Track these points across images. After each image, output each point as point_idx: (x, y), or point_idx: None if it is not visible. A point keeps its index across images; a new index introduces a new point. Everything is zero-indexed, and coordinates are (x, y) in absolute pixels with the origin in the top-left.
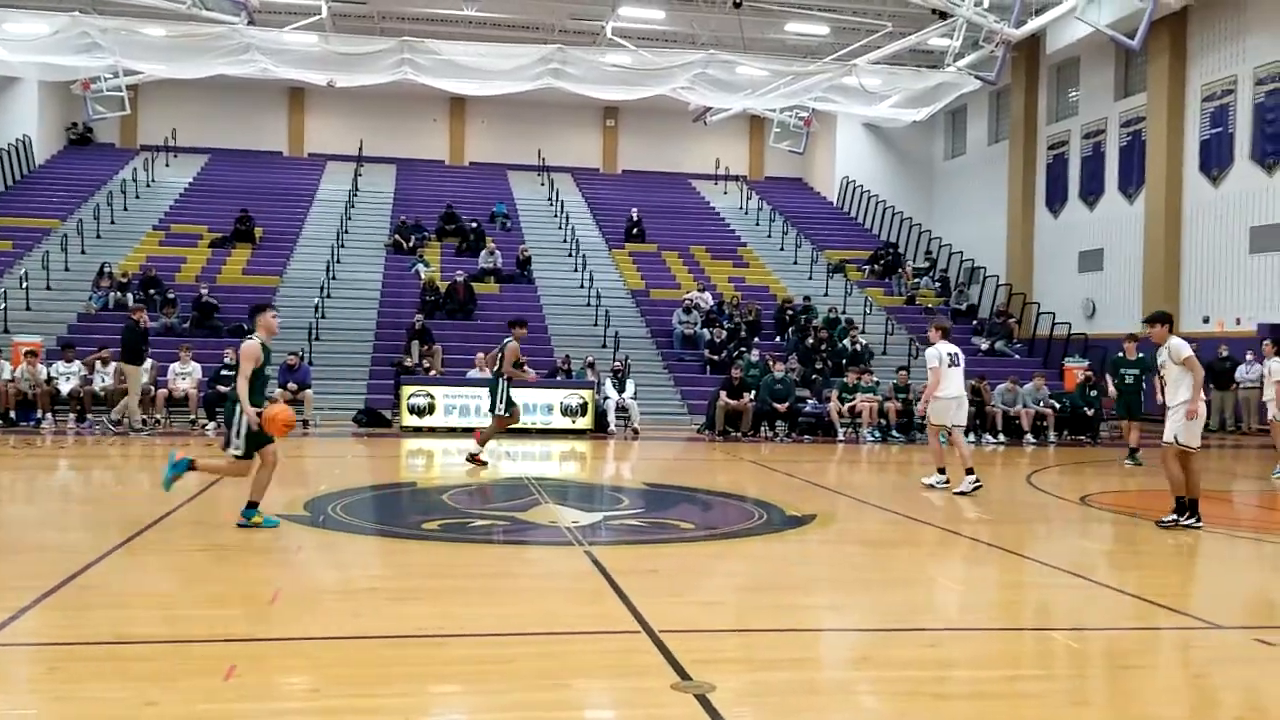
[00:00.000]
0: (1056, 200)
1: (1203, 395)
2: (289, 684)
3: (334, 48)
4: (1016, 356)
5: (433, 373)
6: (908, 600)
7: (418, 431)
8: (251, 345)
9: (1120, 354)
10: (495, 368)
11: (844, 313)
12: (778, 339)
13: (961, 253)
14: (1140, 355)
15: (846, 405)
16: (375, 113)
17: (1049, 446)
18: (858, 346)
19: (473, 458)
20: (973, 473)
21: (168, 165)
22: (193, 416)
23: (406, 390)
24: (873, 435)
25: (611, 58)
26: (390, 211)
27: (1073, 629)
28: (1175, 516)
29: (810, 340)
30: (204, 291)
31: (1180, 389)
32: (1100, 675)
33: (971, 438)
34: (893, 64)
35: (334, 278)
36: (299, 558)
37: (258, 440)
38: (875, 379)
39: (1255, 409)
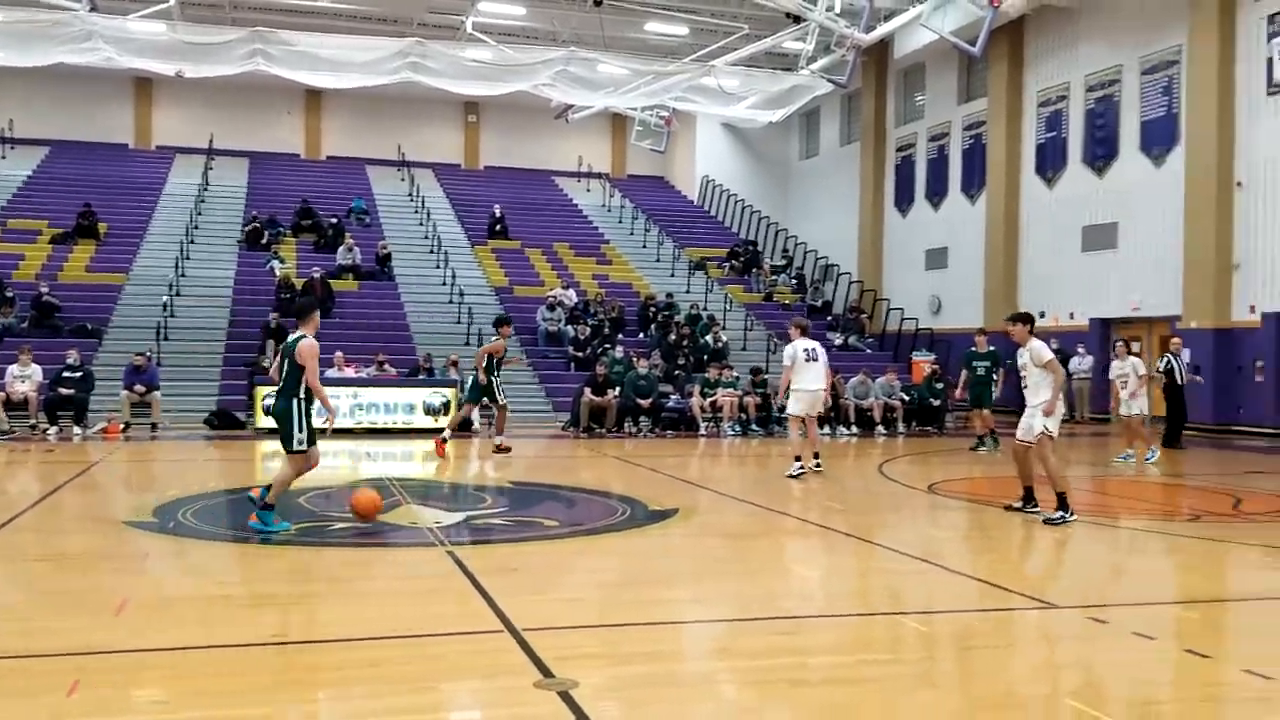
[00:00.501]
0: (904, 200)
1: (1061, 394)
2: (138, 697)
3: (182, 37)
4: (868, 351)
5: None
6: (766, 590)
7: (273, 433)
8: (313, 345)
9: (973, 347)
10: (484, 365)
11: (705, 309)
12: (641, 336)
13: (816, 251)
14: (991, 349)
15: (708, 400)
16: (227, 104)
17: (898, 437)
18: (719, 343)
19: (499, 448)
20: (800, 460)
21: (4, 157)
22: (33, 421)
23: (261, 391)
24: (733, 429)
25: (471, 53)
26: (243, 206)
27: (921, 612)
28: (1062, 513)
29: (673, 337)
30: (44, 290)
31: (1042, 389)
32: (947, 656)
33: (826, 430)
34: (750, 66)
35: (183, 275)
36: (147, 565)
37: (314, 434)
38: (735, 374)
39: (1088, 398)
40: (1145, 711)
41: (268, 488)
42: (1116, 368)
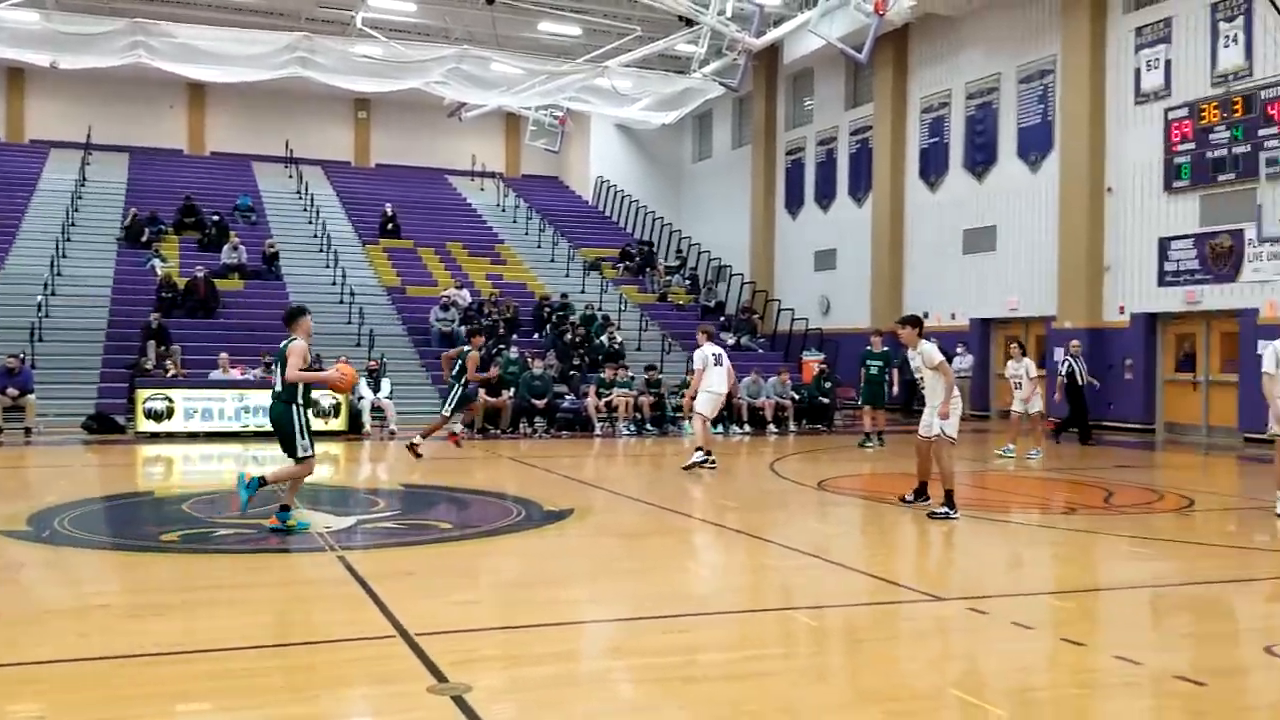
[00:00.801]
0: (795, 203)
1: (956, 393)
2: (14, 712)
3: (57, 26)
4: (760, 351)
5: (172, 374)
6: (661, 588)
7: (155, 437)
8: (301, 345)
9: (868, 347)
10: (454, 372)
11: (600, 310)
12: (536, 336)
13: (709, 252)
14: (885, 349)
15: (603, 400)
16: (106, 97)
17: (789, 435)
18: (614, 343)
19: (413, 448)
20: (706, 451)
21: None
22: None
23: (142, 394)
24: (628, 429)
25: (361, 48)
26: (123, 203)
27: (812, 607)
28: (947, 509)
29: (568, 337)
30: None
31: (938, 389)
32: (837, 650)
33: (719, 429)
34: (643, 68)
35: (59, 274)
36: (21, 576)
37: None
38: (630, 374)
39: (968, 396)
40: (1024, 699)
41: (283, 508)
42: (1011, 368)
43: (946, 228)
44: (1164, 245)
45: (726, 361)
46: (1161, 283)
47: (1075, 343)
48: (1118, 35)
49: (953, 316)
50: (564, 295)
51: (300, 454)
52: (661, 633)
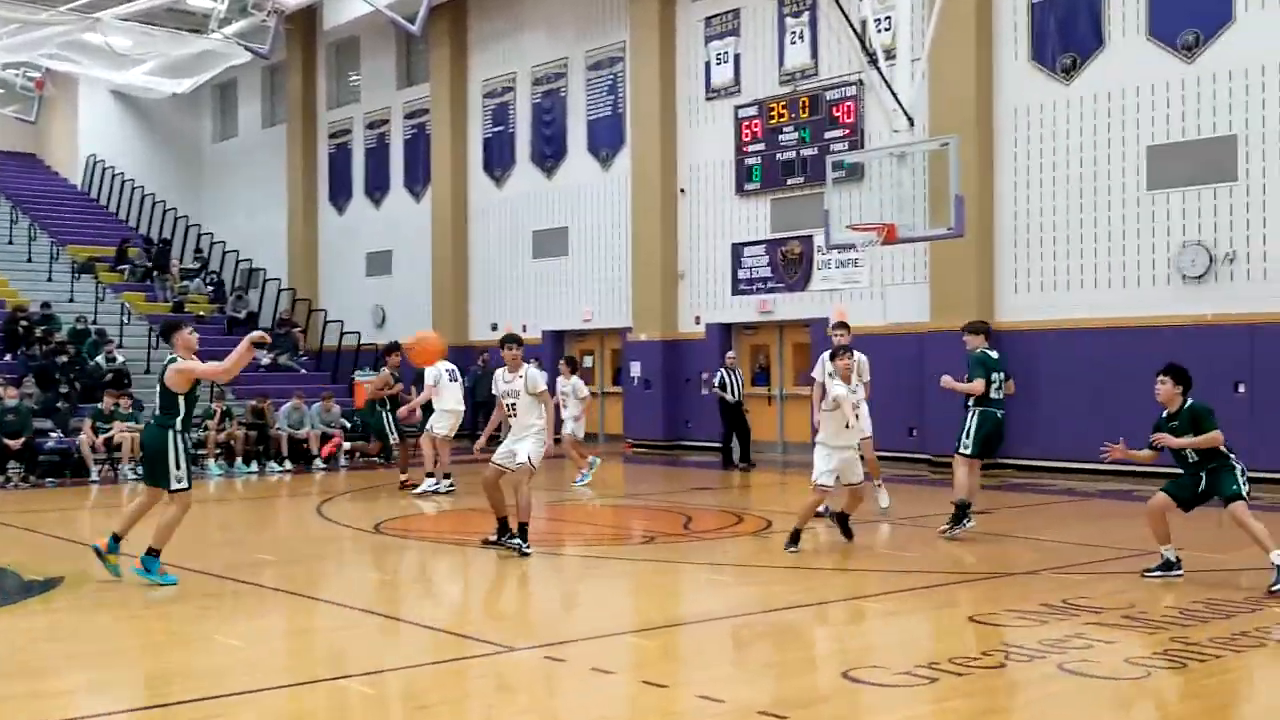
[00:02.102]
0: (342, 195)
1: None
2: None
3: None
4: (303, 371)
5: None
6: (181, 668)
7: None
8: (185, 366)
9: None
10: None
11: (95, 323)
12: (8, 357)
13: (238, 252)
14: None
15: (102, 438)
16: None
17: (340, 471)
18: (114, 364)
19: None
20: (447, 477)
21: None
22: None
23: None
24: (135, 472)
25: None
26: None
27: (368, 674)
28: (521, 542)
29: (52, 358)
30: None
31: (532, 415)
32: None
33: (254, 467)
34: (147, 22)
35: None
36: None
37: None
38: (133, 405)
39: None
40: None
41: (115, 538)
42: (560, 385)
43: (515, 228)
44: (738, 251)
45: (459, 377)
46: (736, 291)
47: (732, 355)
48: (687, 25)
49: (524, 328)
50: (45, 305)
51: (174, 485)
52: None
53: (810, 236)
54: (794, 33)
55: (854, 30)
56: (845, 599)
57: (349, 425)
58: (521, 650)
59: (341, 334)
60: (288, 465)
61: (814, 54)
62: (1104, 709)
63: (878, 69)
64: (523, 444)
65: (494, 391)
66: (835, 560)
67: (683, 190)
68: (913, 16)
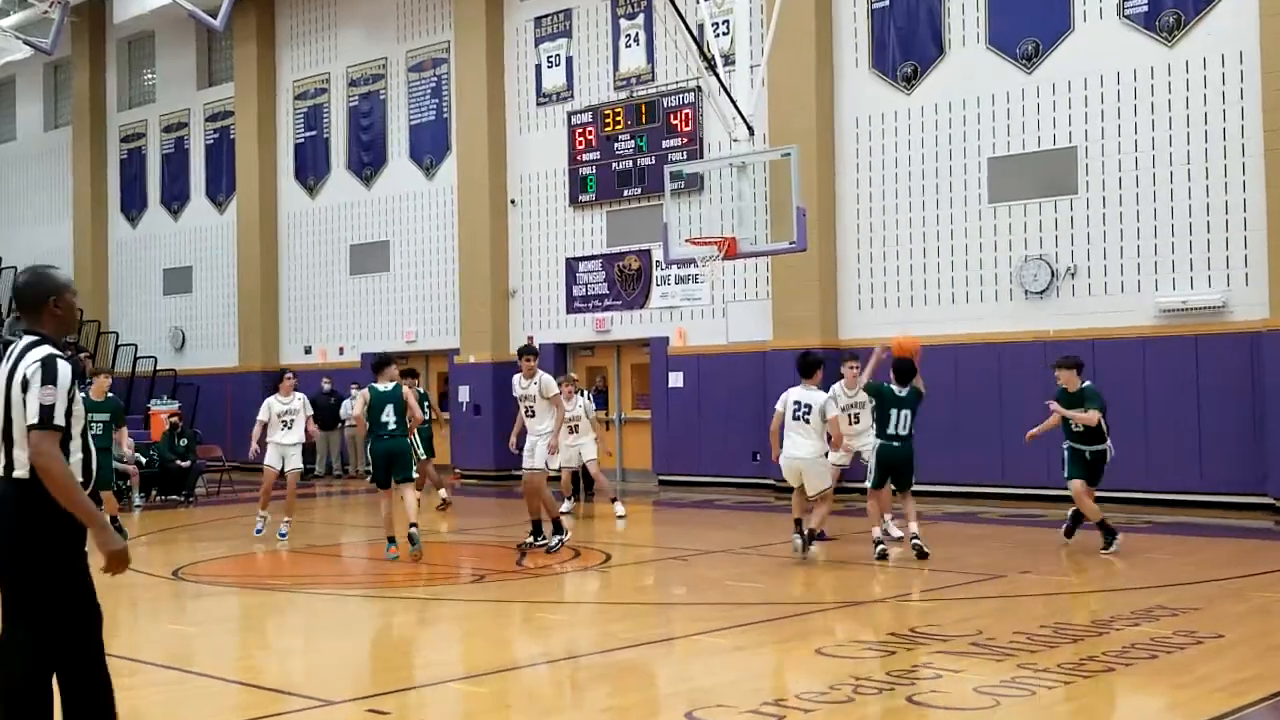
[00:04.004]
0: (135, 205)
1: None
2: None
3: None
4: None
5: None
6: None
7: None
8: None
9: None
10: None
11: None
12: None
13: (16, 268)
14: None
15: None
16: None
17: (134, 511)
18: None
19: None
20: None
21: None
22: None
23: None
24: None
25: None
26: None
27: None
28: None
29: None
30: None
31: (546, 420)
32: None
33: None
34: None
35: None
36: None
37: None
38: None
39: (360, 449)
40: None
41: None
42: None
43: (330, 242)
44: (572, 267)
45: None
46: (571, 309)
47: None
48: (515, 24)
49: (340, 351)
50: None
51: None
52: None
53: (648, 251)
54: (629, 35)
55: (691, 35)
56: (688, 635)
57: (144, 461)
58: (341, 704)
59: (135, 359)
60: None
61: (650, 58)
62: None
63: (716, 75)
64: (539, 445)
65: (514, 394)
66: (678, 595)
67: (513, 201)
68: (751, 21)
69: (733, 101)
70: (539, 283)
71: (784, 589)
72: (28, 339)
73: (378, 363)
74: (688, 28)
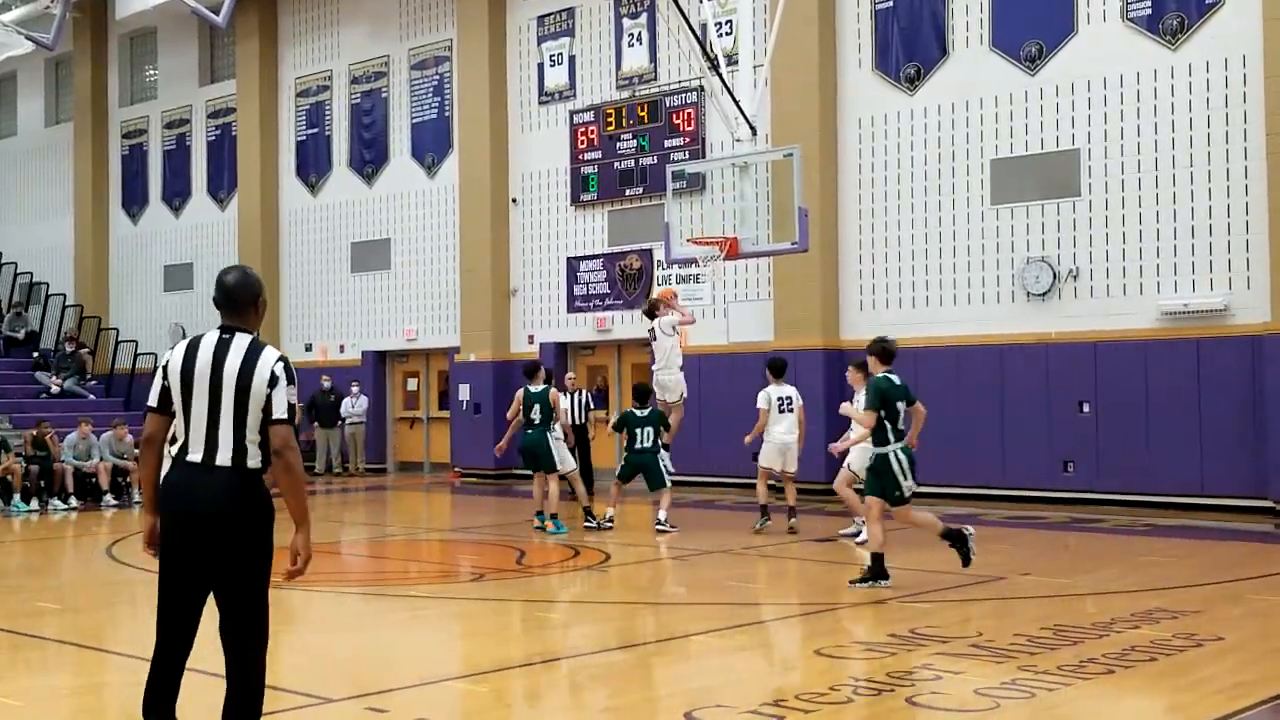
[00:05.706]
0: (137, 202)
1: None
2: None
3: None
4: (93, 397)
5: None
6: None
7: None
8: None
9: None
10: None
11: None
12: None
13: (17, 264)
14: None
15: None
16: None
17: (133, 508)
18: None
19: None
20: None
21: None
22: None
23: None
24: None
25: None
26: None
27: None
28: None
29: None
30: None
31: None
32: None
33: (34, 505)
34: None
35: None
36: None
37: None
38: None
39: (362, 447)
40: None
41: None
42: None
43: (332, 240)
44: (573, 266)
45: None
46: (572, 308)
47: (571, 375)
48: (518, 23)
49: (341, 349)
50: None
51: None
52: None
53: (650, 250)
54: (632, 34)
55: (694, 34)
56: (688, 635)
57: None
58: (340, 701)
59: (136, 355)
60: (74, 502)
61: (653, 57)
62: None
63: (719, 75)
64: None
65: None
66: (678, 595)
67: (515, 200)
68: (754, 21)
69: (735, 101)
70: (540, 282)
71: (784, 589)
72: (243, 335)
73: (530, 368)
74: (691, 27)
